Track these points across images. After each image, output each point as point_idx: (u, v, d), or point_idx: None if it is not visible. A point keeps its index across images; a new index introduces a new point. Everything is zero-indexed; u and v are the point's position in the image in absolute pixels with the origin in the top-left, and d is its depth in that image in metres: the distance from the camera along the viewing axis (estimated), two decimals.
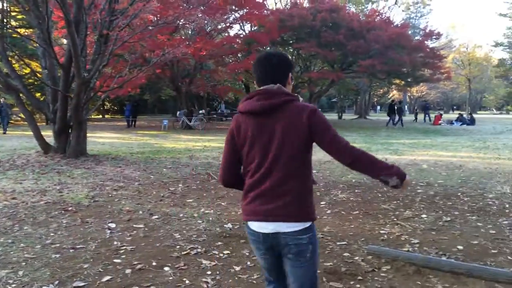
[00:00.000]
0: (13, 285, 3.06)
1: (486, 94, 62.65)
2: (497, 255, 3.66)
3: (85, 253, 3.69)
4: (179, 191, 6.37)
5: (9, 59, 10.35)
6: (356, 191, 6.40)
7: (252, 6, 21.57)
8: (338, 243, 4.01)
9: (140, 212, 5.13)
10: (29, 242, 3.96)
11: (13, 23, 19.73)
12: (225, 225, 4.57)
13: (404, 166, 8.42)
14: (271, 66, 1.92)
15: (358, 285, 3.11)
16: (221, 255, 3.70)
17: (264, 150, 1.86)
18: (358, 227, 4.53)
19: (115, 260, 3.55)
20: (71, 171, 7.91)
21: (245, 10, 21.98)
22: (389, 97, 53.32)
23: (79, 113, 9.26)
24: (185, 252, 3.75)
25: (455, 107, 66.22)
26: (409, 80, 27.05)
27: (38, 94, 23.73)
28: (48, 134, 10.19)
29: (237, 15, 22.72)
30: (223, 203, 5.59)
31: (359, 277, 3.24)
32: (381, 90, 46.29)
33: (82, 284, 3.09)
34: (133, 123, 24.59)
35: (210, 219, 4.82)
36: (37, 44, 10.24)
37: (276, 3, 32.53)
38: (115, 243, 3.99)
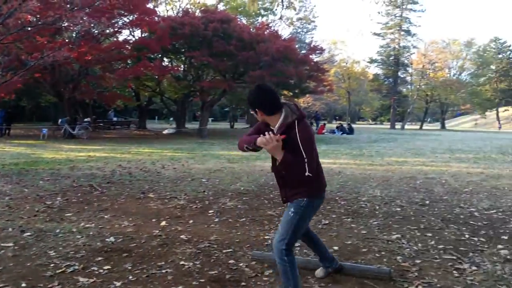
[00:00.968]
0: None
1: (364, 106, 68.60)
2: (367, 253, 4.00)
3: None
4: (57, 205, 5.90)
5: None
6: (244, 198, 6.53)
7: (142, 11, 20.97)
8: (224, 251, 4.04)
9: (10, 229, 4.64)
10: None
11: None
12: (107, 239, 4.33)
13: None
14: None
15: None
16: (101, 271, 3.49)
17: None
18: (245, 234, 4.62)
19: None
20: None
21: (135, 15, 21.33)
22: None
23: None
24: (60, 271, 3.47)
25: (337, 117, 71.32)
26: (296, 91, 28.49)
27: None
28: None
29: (126, 20, 21.93)
30: (106, 216, 5.30)
31: (243, 283, 3.30)
32: None
33: None
34: (7, 131, 22.29)
35: (91, 233, 4.53)
36: None
37: (167, 11, 32.15)
38: None
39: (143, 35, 25.29)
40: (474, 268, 3.61)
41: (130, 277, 3.37)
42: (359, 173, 9.38)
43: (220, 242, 4.30)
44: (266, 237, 4.50)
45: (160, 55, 25.64)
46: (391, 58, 52.17)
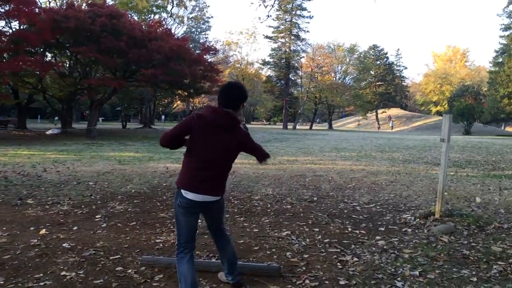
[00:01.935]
0: None
1: (258, 107, 70.55)
2: (258, 251, 4.06)
3: None
4: None
5: None
6: (135, 201, 6.24)
7: (20, 1, 19.06)
8: (112, 257, 3.80)
9: None
10: None
11: None
12: None
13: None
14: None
15: None
16: None
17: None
18: (134, 239, 4.40)
19: None
20: None
21: (11, 5, 19.29)
22: (173, 107, 54.81)
23: None
24: None
25: None
26: (191, 91, 28.25)
27: None
28: None
29: (1, 9, 19.77)
30: None
31: None
32: (166, 100, 47.13)
33: None
34: None
35: None
36: None
37: (50, 2, 29.65)
38: None
39: (21, 27, 23.03)
40: (355, 259, 3.85)
41: None
42: (253, 172, 9.56)
43: (107, 249, 4.03)
44: (157, 240, 4.34)
45: (41, 50, 23.60)
46: (282, 61, 54.50)
